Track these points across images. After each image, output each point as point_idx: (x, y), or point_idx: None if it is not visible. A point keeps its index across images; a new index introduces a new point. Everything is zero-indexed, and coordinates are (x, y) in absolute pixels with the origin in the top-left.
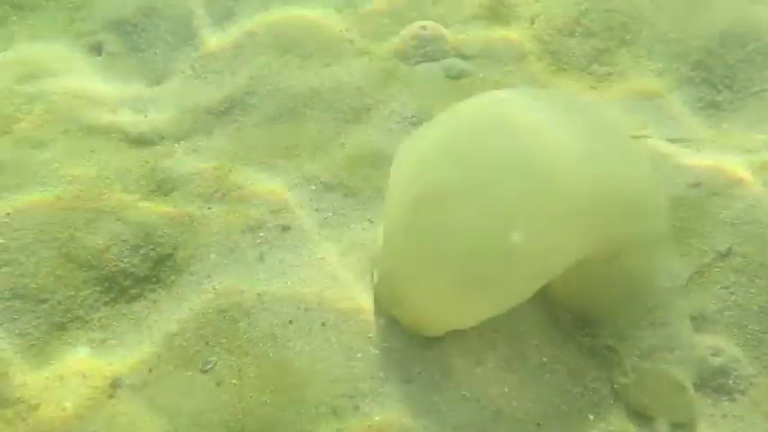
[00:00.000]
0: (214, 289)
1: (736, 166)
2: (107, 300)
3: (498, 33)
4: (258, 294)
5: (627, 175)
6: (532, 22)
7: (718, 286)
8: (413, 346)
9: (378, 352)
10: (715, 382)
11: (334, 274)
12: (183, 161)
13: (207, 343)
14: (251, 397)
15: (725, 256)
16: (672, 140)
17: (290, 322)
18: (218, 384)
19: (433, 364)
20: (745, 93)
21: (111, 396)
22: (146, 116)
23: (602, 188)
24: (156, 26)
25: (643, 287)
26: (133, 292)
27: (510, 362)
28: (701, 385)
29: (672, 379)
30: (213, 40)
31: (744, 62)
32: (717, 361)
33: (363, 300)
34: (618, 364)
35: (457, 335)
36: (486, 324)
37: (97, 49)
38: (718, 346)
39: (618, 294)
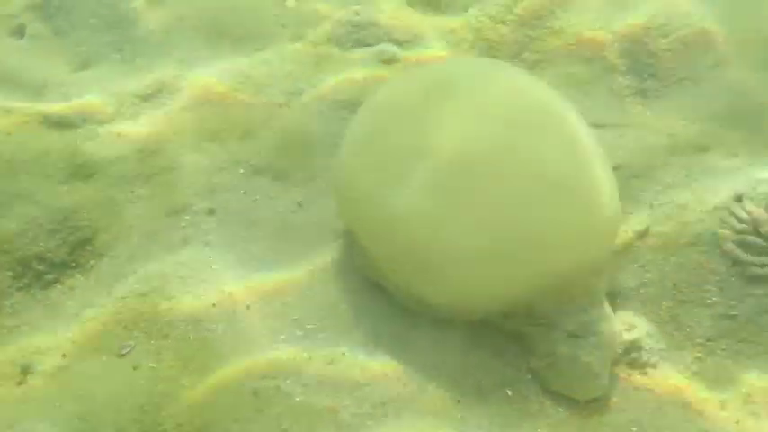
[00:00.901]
0: (135, 273)
1: (656, 150)
2: (20, 285)
3: (432, 20)
4: (181, 278)
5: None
6: (466, 10)
7: (636, 264)
8: (338, 327)
9: (301, 333)
10: (628, 356)
11: (260, 257)
12: (107, 144)
13: (125, 327)
14: (169, 380)
15: (643, 235)
16: (597, 125)
17: (214, 305)
18: (134, 368)
19: (358, 344)
20: (669, 81)
21: (20, 383)
22: (69, 100)
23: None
24: (81, 8)
25: None
26: (49, 277)
27: (435, 341)
28: (615, 360)
29: (584, 365)
30: (142, 23)
31: (667, 51)
32: (630, 336)
33: (289, 281)
34: (533, 347)
35: (384, 315)
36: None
37: (19, 33)
38: (632, 322)
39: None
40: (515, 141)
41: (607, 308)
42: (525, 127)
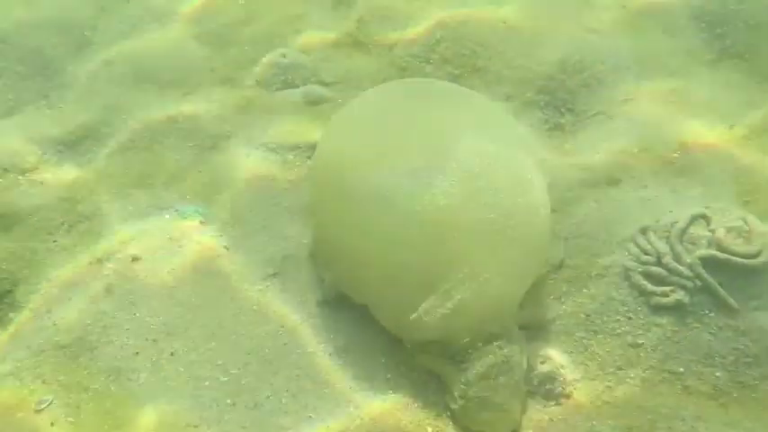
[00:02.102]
0: (54, 325)
1: (572, 184)
2: None
3: (358, 60)
4: (103, 327)
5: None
6: (391, 50)
7: (552, 297)
8: (262, 374)
9: (226, 379)
10: (543, 388)
11: (185, 302)
12: (28, 194)
13: (43, 381)
14: None
15: (558, 268)
16: None
17: (137, 354)
18: (52, 424)
19: (281, 389)
20: (585, 115)
21: None
22: None
23: None
24: (7, 56)
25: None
26: None
27: (358, 380)
28: (530, 392)
29: (496, 405)
30: (68, 69)
31: (582, 87)
32: (544, 368)
33: (215, 325)
34: (448, 388)
35: (306, 356)
36: (338, 343)
37: None
38: (546, 353)
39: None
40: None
41: (519, 344)
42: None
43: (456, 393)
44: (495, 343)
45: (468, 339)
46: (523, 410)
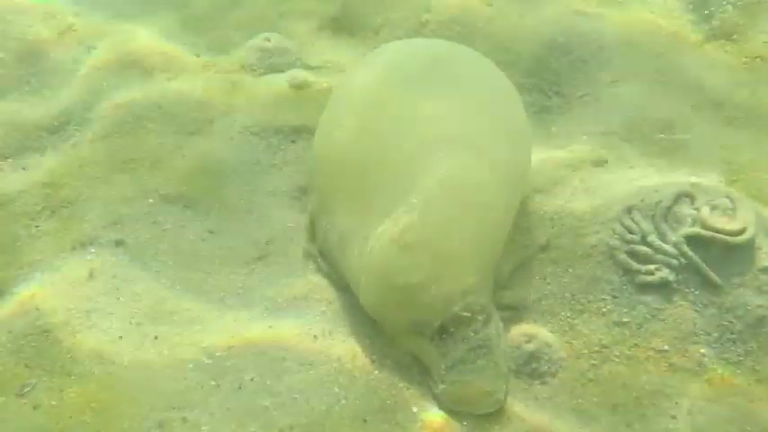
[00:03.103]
0: (37, 309)
1: (558, 165)
2: None
3: (343, 43)
4: (86, 312)
5: None
6: (376, 33)
7: (537, 277)
8: (246, 354)
9: (210, 361)
10: (528, 367)
11: (170, 286)
12: (10, 179)
13: (26, 366)
14: (70, 417)
15: (544, 248)
16: None
17: (120, 338)
18: (35, 408)
19: (266, 369)
20: (572, 97)
21: None
22: None
23: None
24: None
25: None
26: None
27: (342, 361)
28: (516, 371)
29: (477, 387)
30: (51, 54)
31: (569, 69)
32: (529, 347)
33: (199, 311)
34: (430, 372)
35: (291, 339)
36: (323, 326)
37: None
38: (531, 333)
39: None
40: None
41: (496, 326)
42: None
43: (436, 377)
44: (470, 327)
45: (439, 322)
46: (507, 389)
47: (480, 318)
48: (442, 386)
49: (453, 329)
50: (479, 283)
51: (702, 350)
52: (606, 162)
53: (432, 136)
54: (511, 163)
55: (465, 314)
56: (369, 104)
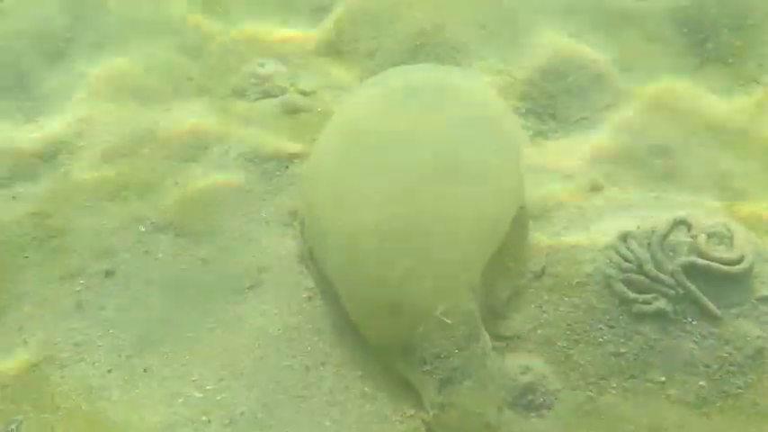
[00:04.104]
0: (25, 342)
1: (554, 191)
2: None
3: (337, 68)
4: (75, 344)
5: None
6: (371, 57)
7: (533, 305)
8: (237, 389)
9: (201, 395)
10: (524, 399)
11: (161, 318)
12: (1, 208)
13: (13, 401)
14: None
15: (539, 276)
16: None
17: (109, 371)
18: None
19: (257, 404)
20: (567, 122)
21: None
22: None
23: None
24: None
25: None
26: None
27: (333, 393)
28: (511, 404)
29: (466, 410)
30: (44, 81)
31: (564, 93)
32: (525, 379)
33: (190, 340)
34: (422, 399)
35: (282, 370)
36: (315, 356)
37: None
38: (527, 364)
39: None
40: None
41: (482, 345)
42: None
43: (427, 405)
44: (453, 337)
45: (421, 328)
46: (501, 411)
47: (463, 329)
48: (432, 411)
49: (436, 338)
50: (462, 288)
51: (701, 382)
52: (602, 188)
53: (420, 158)
54: (501, 172)
55: (446, 320)
56: (358, 131)
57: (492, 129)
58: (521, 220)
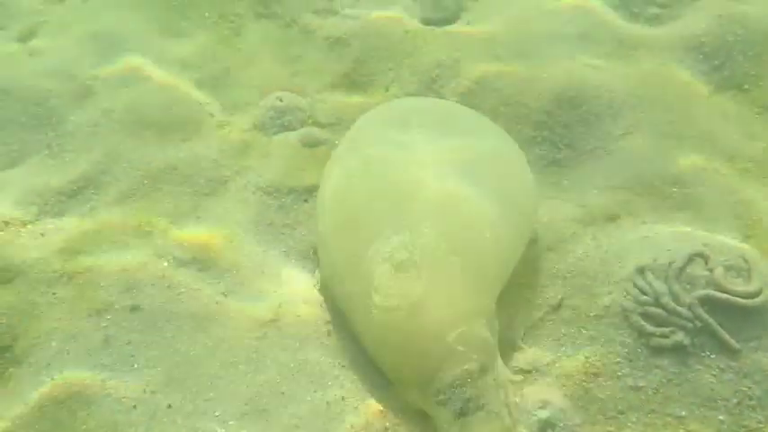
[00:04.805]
0: (53, 379)
1: (569, 221)
2: None
3: (355, 100)
4: (101, 381)
5: None
6: (387, 89)
7: (550, 338)
8: (259, 425)
9: (224, 431)
10: None
11: (184, 353)
12: (28, 246)
13: None
14: None
15: (556, 308)
16: None
17: (135, 407)
18: None
19: None
20: (582, 150)
21: None
22: None
23: None
24: (10, 107)
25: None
26: None
27: (355, 429)
28: None
29: None
30: (71, 118)
31: (579, 122)
32: (544, 414)
33: (212, 375)
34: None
35: (303, 405)
36: (336, 392)
37: None
38: (546, 398)
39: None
40: None
41: (494, 376)
42: None
43: None
44: (468, 378)
45: (436, 363)
46: None
47: (476, 357)
48: None
49: (449, 368)
50: (473, 314)
51: (721, 417)
52: (618, 217)
53: (424, 174)
54: (510, 197)
55: (459, 348)
56: (364, 149)
57: (501, 154)
58: (534, 250)
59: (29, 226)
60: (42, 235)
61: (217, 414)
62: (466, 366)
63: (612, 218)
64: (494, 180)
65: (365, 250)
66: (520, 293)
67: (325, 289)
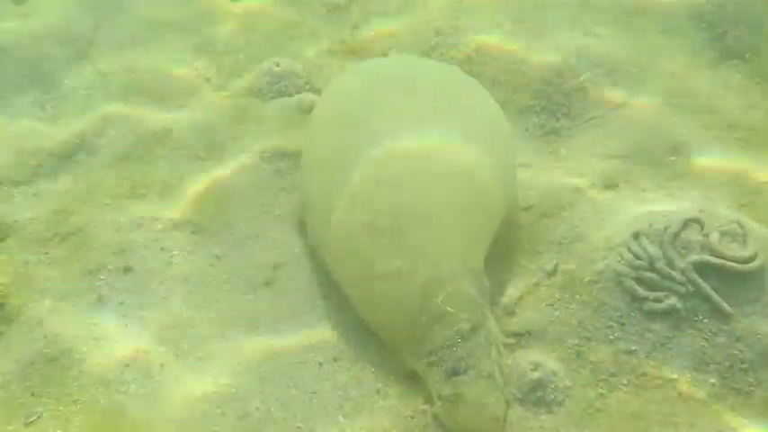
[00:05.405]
0: (45, 337)
1: (567, 189)
2: None
3: (351, 66)
4: (94, 339)
5: None
6: (385, 55)
7: (544, 303)
8: (251, 384)
9: (215, 390)
10: (534, 395)
11: (177, 313)
12: (21, 206)
13: (33, 394)
14: None
15: (551, 274)
16: None
17: (127, 365)
18: None
19: (271, 398)
20: (581, 119)
21: None
22: None
23: None
24: (5, 69)
25: None
26: None
27: (347, 389)
28: (521, 399)
29: (470, 401)
30: (65, 80)
31: (579, 91)
32: (535, 375)
33: (205, 338)
34: (431, 392)
35: (295, 366)
36: (328, 353)
37: None
38: (538, 360)
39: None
40: None
41: (488, 334)
42: None
43: (434, 394)
44: (457, 338)
45: (424, 318)
46: (509, 406)
47: (465, 317)
48: (438, 403)
49: (439, 328)
50: (461, 273)
51: (712, 380)
52: (617, 185)
53: (400, 121)
54: (489, 147)
55: (448, 309)
56: (341, 102)
57: (476, 105)
58: (530, 216)
59: (22, 186)
60: (35, 195)
61: (209, 373)
62: (456, 327)
63: (611, 186)
64: (472, 126)
65: (347, 216)
66: (515, 259)
67: (314, 249)
